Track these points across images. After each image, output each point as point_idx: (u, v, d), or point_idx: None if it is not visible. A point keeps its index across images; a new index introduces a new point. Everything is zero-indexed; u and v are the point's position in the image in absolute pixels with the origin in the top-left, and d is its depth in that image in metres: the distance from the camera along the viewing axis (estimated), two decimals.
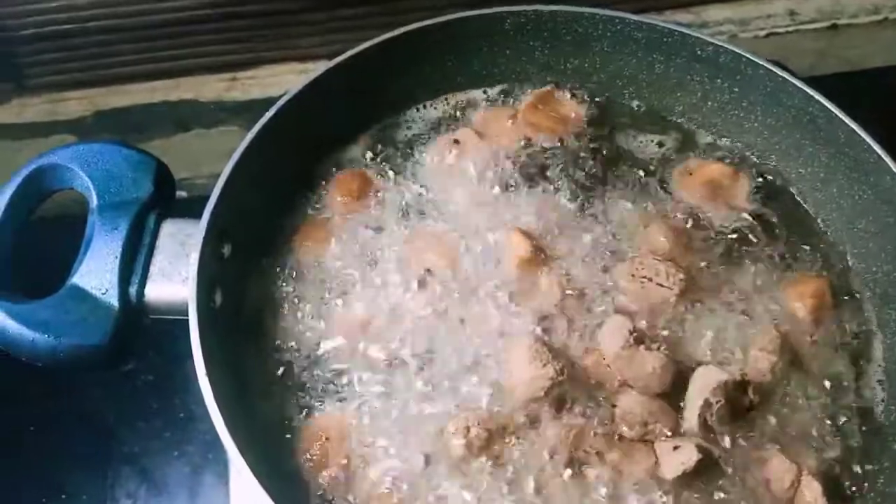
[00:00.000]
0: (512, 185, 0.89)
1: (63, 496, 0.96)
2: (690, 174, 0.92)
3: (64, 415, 1.02)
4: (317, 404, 0.77)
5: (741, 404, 0.75)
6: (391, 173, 0.91)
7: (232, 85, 1.25)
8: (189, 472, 0.99)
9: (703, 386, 0.74)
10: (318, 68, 0.88)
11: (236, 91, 1.25)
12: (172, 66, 1.23)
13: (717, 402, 0.73)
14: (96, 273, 0.73)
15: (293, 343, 0.80)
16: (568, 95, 0.97)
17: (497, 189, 0.89)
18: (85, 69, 1.21)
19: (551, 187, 0.90)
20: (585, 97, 0.98)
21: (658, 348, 0.75)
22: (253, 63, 1.25)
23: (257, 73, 1.26)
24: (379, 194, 0.89)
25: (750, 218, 0.90)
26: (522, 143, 0.93)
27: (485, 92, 0.98)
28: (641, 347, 0.74)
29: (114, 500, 0.96)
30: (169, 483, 0.99)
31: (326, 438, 0.74)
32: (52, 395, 1.01)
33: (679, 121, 0.97)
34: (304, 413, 0.76)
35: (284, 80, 1.24)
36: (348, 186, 0.88)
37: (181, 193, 1.15)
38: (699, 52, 0.92)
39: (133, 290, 0.74)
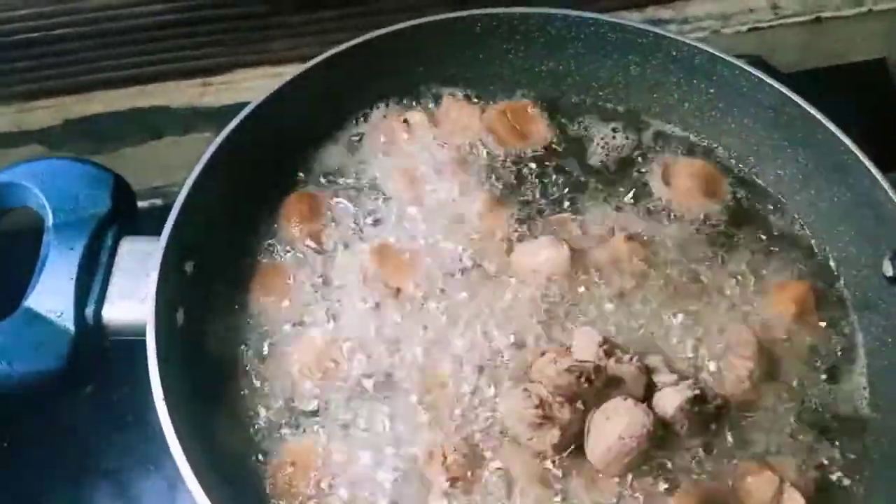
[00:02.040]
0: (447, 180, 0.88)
1: None
2: (665, 173, 0.91)
3: (38, 430, 1.00)
4: (283, 432, 0.75)
5: (708, 412, 0.74)
6: (350, 182, 0.89)
7: (205, 91, 1.22)
8: (166, 487, 0.98)
9: (663, 410, 0.72)
10: (292, 72, 0.87)
11: (209, 97, 1.22)
12: (143, 72, 1.20)
13: (681, 425, 0.72)
14: (51, 295, 0.71)
15: (260, 368, 0.78)
16: (542, 114, 0.95)
17: (433, 178, 0.88)
18: (53, 77, 1.18)
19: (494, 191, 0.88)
20: (562, 120, 0.96)
21: (630, 360, 0.73)
22: (226, 68, 1.23)
23: (231, 77, 1.23)
24: (333, 210, 0.87)
25: (728, 221, 0.88)
26: (474, 143, 0.91)
27: (456, 95, 0.96)
28: (612, 360, 0.73)
29: None
30: (145, 497, 0.97)
31: (292, 464, 0.72)
32: (27, 411, 0.99)
33: (655, 122, 0.95)
34: (269, 440, 0.74)
35: (259, 84, 1.21)
36: (298, 211, 0.86)
37: (155, 202, 1.14)
38: (674, 53, 0.91)
39: (90, 311, 0.72)
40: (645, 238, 0.85)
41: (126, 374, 0.99)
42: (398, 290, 0.79)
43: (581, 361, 0.72)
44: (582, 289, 0.80)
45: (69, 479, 0.97)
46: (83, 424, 1.01)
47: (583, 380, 0.70)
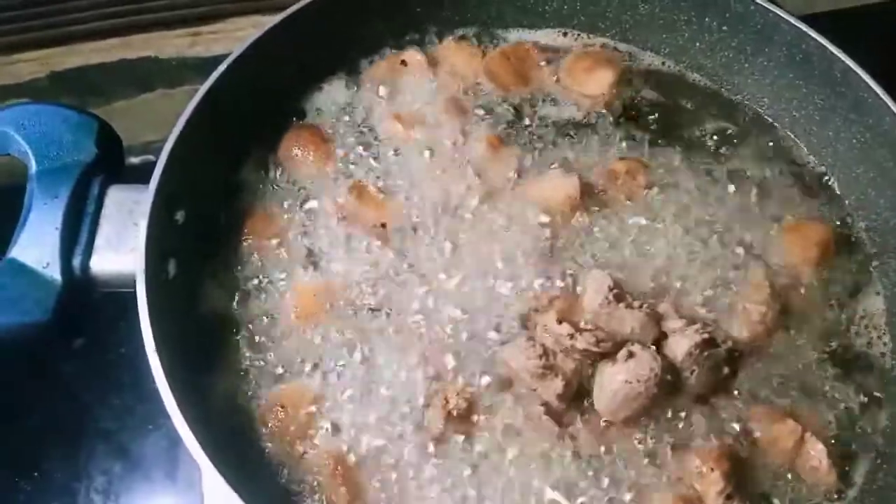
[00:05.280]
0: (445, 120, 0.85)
1: (36, 474, 0.93)
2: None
3: (35, 392, 0.98)
4: (276, 376, 0.73)
5: (719, 357, 0.71)
6: (346, 124, 0.86)
7: (194, 41, 1.18)
8: (165, 446, 0.96)
9: (673, 356, 0.70)
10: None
11: (199, 47, 1.18)
12: (131, 21, 1.16)
13: (690, 371, 0.70)
14: (36, 245, 0.68)
15: (252, 315, 0.76)
16: (544, 57, 0.91)
17: (431, 119, 0.85)
18: (37, 28, 1.14)
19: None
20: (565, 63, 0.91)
21: (640, 306, 0.71)
22: (216, 16, 1.18)
23: (221, 27, 1.19)
24: (328, 150, 0.84)
25: (741, 162, 0.85)
26: (473, 85, 0.88)
27: (455, 37, 0.92)
28: (622, 305, 0.70)
29: (88, 477, 0.93)
30: (145, 458, 0.96)
31: (282, 407, 0.70)
32: (23, 372, 0.97)
33: (666, 64, 0.92)
34: (262, 386, 0.73)
35: (250, 34, 1.16)
36: (296, 144, 0.83)
37: (148, 157, 1.10)
38: None
39: (77, 262, 0.69)
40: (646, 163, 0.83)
41: (122, 336, 0.98)
42: (388, 229, 0.77)
43: (597, 342, 0.69)
44: (588, 223, 0.79)
45: (66, 441, 0.95)
46: (79, 386, 0.99)
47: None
